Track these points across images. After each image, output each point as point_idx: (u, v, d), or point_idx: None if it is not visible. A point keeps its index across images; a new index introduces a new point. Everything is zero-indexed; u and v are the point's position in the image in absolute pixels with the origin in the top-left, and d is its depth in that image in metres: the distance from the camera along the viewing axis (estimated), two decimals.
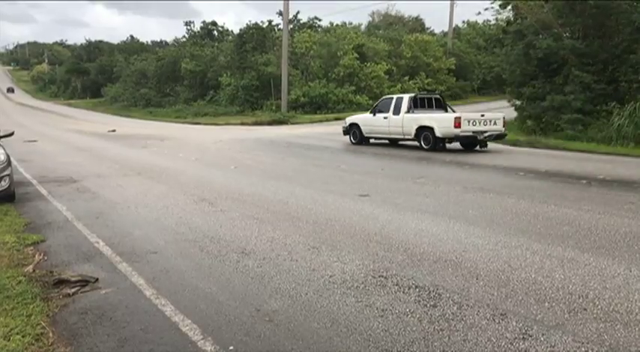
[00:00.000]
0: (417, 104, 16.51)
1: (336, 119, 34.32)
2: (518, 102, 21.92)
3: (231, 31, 61.33)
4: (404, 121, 16.12)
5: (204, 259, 5.14)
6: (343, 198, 8.15)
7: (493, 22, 38.50)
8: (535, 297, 3.97)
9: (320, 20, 51.56)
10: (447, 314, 3.71)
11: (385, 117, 16.85)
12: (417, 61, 43.54)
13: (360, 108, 38.30)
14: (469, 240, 5.59)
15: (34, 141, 20.01)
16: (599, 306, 3.79)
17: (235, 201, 8.01)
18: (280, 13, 40.40)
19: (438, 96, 17.90)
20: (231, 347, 3.32)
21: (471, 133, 14.74)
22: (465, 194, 8.45)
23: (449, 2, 47.06)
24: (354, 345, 3.30)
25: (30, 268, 4.84)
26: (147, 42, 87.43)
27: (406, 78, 42.21)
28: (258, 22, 48.17)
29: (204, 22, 65.05)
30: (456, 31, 52.47)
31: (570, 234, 5.78)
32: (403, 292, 4.15)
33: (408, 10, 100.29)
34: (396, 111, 16.48)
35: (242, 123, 34.16)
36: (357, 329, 3.52)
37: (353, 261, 4.92)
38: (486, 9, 44.79)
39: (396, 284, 4.31)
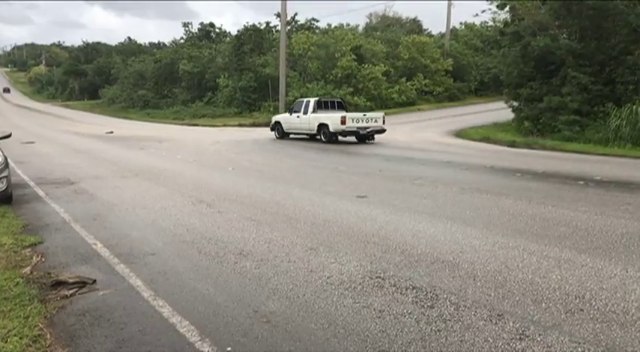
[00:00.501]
0: (321, 106, 20.45)
1: None
2: (515, 104, 21.98)
3: (229, 33, 61.36)
4: (310, 119, 20.06)
5: (202, 260, 5.15)
6: (341, 199, 8.16)
7: (490, 23, 38.60)
8: (532, 298, 3.99)
9: (318, 21, 51.56)
10: (445, 315, 3.72)
11: (298, 116, 20.73)
12: (415, 63, 43.58)
13: (357, 109, 38.40)
14: (466, 241, 5.60)
15: (32, 142, 19.98)
16: (596, 307, 3.81)
17: (233, 203, 8.01)
18: (278, 15, 40.41)
19: (339, 99, 22.61)
20: (228, 348, 3.32)
21: (355, 129, 18.77)
22: (462, 195, 8.46)
23: (446, 3, 47.16)
24: (352, 346, 3.31)
25: (27, 270, 4.84)
26: (145, 43, 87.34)
27: (404, 79, 42.26)
28: (256, 23, 48.15)
29: (201, 23, 64.96)
30: (454, 32, 52.53)
31: (567, 234, 5.80)
32: (401, 293, 4.15)
33: (405, 11, 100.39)
34: (305, 112, 20.31)
35: (240, 125, 34.18)
36: (354, 329, 3.53)
37: (350, 262, 4.92)
38: (483, 11, 44.90)
39: (394, 285, 4.31)
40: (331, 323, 3.63)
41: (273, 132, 22.33)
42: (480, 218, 6.75)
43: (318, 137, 19.66)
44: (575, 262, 4.80)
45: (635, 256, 4.96)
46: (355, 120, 18.89)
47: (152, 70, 56.79)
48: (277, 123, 22.35)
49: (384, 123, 19.29)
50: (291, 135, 21.49)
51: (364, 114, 19.75)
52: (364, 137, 19.06)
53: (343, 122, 18.55)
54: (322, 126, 19.38)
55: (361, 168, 12.26)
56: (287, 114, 21.99)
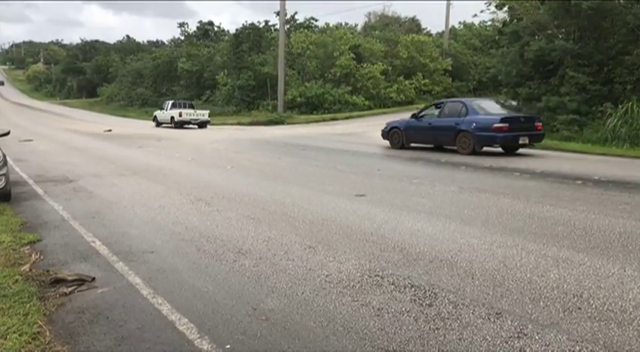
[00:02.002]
0: (175, 106, 32.66)
1: (333, 119, 34.40)
2: (514, 103, 21.99)
3: (227, 31, 61.34)
4: (168, 114, 32.09)
5: (200, 258, 5.15)
6: (340, 198, 8.17)
7: (489, 23, 38.60)
8: (530, 296, 4.00)
9: (316, 20, 51.66)
10: (443, 313, 3.73)
11: (163, 112, 32.88)
12: (414, 62, 43.59)
13: (356, 108, 38.41)
14: (465, 239, 5.61)
15: (30, 140, 19.95)
16: (594, 305, 3.82)
17: (232, 201, 8.01)
18: (277, 14, 40.40)
19: (190, 102, 35.60)
20: (227, 346, 3.33)
21: (189, 120, 30.88)
22: (460, 194, 8.48)
23: (445, 3, 47.15)
24: (351, 344, 3.32)
25: (26, 267, 4.84)
26: (143, 42, 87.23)
27: (402, 78, 42.27)
28: (255, 22, 48.17)
29: (200, 21, 64.90)
30: (452, 31, 52.54)
31: (565, 234, 5.82)
32: (399, 291, 4.16)
33: (404, 10, 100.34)
34: (167, 109, 32.64)
35: (238, 124, 34.17)
36: (353, 328, 3.53)
37: (349, 261, 4.93)
38: (482, 11, 44.85)
39: (392, 284, 4.32)
40: (330, 321, 3.64)
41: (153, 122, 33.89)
42: (478, 217, 6.77)
43: (171, 125, 31.27)
44: (573, 261, 4.81)
45: (633, 255, 4.97)
46: (189, 114, 31.50)
47: (150, 69, 56.74)
48: (156, 117, 33.89)
49: (209, 117, 32.18)
50: (163, 125, 32.30)
51: (195, 111, 32.39)
52: (200, 124, 31.07)
53: (180, 115, 31.09)
54: (172, 118, 31.45)
55: (360, 168, 12.27)
56: (162, 111, 33.37)
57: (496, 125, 13.96)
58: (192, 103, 35.94)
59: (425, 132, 15.77)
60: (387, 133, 17.08)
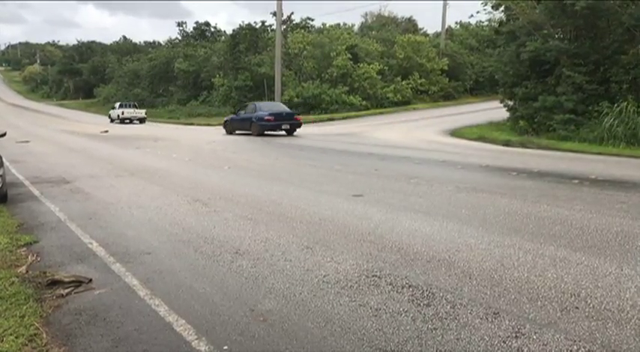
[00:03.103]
0: (122, 106, 42.18)
1: (330, 119, 34.39)
2: (510, 103, 22.03)
3: (224, 32, 61.27)
4: (116, 112, 41.05)
5: (198, 259, 5.14)
6: (337, 198, 8.16)
7: (486, 23, 38.64)
8: (528, 296, 4.00)
9: (313, 21, 51.58)
10: (441, 313, 3.73)
11: (115, 110, 41.92)
12: (410, 62, 43.61)
13: (353, 108, 38.41)
14: (462, 239, 5.62)
15: (27, 141, 19.90)
16: (591, 305, 3.82)
17: (229, 202, 8.01)
18: (274, 14, 40.37)
19: (134, 103, 44.94)
20: (225, 347, 3.32)
21: (129, 117, 40.00)
22: (458, 194, 8.49)
23: (442, 3, 47.26)
24: (348, 344, 3.32)
25: (23, 269, 4.83)
26: (140, 42, 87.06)
27: (399, 78, 42.29)
28: (251, 22, 48.12)
29: (197, 22, 64.88)
30: (449, 31, 52.59)
31: (562, 233, 5.82)
32: (397, 291, 4.16)
33: (400, 10, 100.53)
34: (116, 108, 41.59)
35: None
36: (351, 328, 3.53)
37: (347, 261, 4.93)
38: (478, 12, 44.92)
39: (390, 284, 4.32)
40: (328, 322, 3.64)
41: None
42: (475, 217, 6.77)
43: (118, 121, 40.16)
44: (571, 260, 4.82)
45: (630, 254, 4.98)
46: (129, 112, 40.96)
47: (147, 69, 56.69)
48: (110, 114, 43.07)
49: (145, 114, 41.30)
50: (114, 121, 40.57)
51: (134, 110, 41.65)
52: (140, 120, 40.34)
53: (123, 113, 40.49)
54: (118, 115, 40.64)
55: (357, 168, 12.26)
56: (114, 110, 42.34)
57: (266, 117, 22.65)
58: (136, 104, 45.22)
59: (238, 122, 24.41)
60: (224, 123, 26.04)
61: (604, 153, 14.64)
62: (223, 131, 25.40)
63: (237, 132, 24.20)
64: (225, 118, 26.97)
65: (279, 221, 6.67)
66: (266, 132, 22.71)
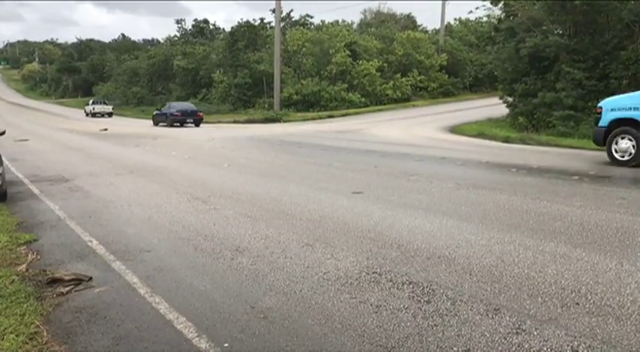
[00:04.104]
0: (95, 102, 50.50)
1: (329, 117, 34.41)
2: (510, 99, 22.04)
3: (223, 29, 61.20)
4: (89, 108, 49.60)
5: (198, 257, 5.14)
6: (337, 195, 8.16)
7: (485, 19, 38.62)
8: (528, 292, 4.00)
9: (312, 18, 51.58)
10: (441, 310, 3.73)
11: (88, 106, 49.47)
12: (409, 59, 43.62)
13: (352, 105, 38.41)
14: (462, 236, 5.61)
15: (26, 140, 19.88)
16: (592, 301, 3.82)
17: (229, 199, 8.00)
18: (273, 11, 40.31)
19: (104, 100, 52.21)
20: (225, 344, 3.32)
21: (98, 111, 48.62)
22: (457, 190, 8.48)
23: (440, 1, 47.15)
24: (349, 341, 3.31)
25: (23, 267, 4.82)
26: (138, 40, 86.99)
27: (398, 75, 42.26)
28: (250, 20, 48.10)
29: (195, 19, 64.77)
30: (448, 28, 52.58)
31: (562, 229, 5.82)
32: (397, 288, 4.16)
33: (399, 7, 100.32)
34: (88, 105, 50.18)
35: (235, 122, 34.17)
36: (351, 325, 3.53)
37: (347, 258, 4.93)
38: (477, 8, 44.82)
39: (390, 281, 4.32)
40: (328, 319, 3.64)
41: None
42: (475, 213, 6.77)
43: (90, 115, 47.62)
44: (571, 257, 4.82)
45: (630, 250, 4.98)
46: (98, 108, 48.27)
47: (146, 67, 56.63)
48: (85, 109, 48.86)
49: (112, 109, 49.16)
50: (88, 115, 47.77)
51: (103, 106, 48.89)
52: (109, 114, 47.89)
53: (94, 109, 47.88)
54: (90, 110, 48.74)
55: (357, 165, 12.26)
56: (87, 106, 49.69)
57: (175, 113, 31.19)
58: (105, 101, 52.42)
59: (159, 117, 32.47)
60: (153, 117, 33.92)
61: (604, 150, 14.62)
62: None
63: (160, 124, 31.83)
64: (153, 113, 34.67)
65: (279, 218, 6.66)
66: (177, 124, 30.74)
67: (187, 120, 30.85)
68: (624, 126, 11.20)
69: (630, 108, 11.22)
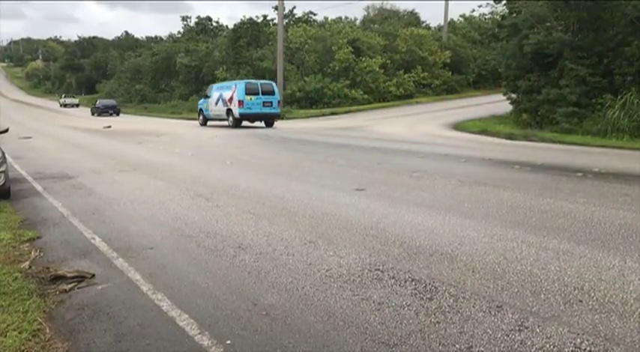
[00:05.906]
0: (67, 96, 66.04)
1: (332, 114, 34.35)
2: (513, 96, 21.97)
3: (226, 27, 61.15)
4: (62, 100, 63.87)
5: (200, 254, 5.14)
6: (339, 192, 8.15)
7: (488, 15, 38.49)
8: (531, 289, 3.99)
9: (315, 14, 51.45)
10: (444, 307, 3.72)
11: (62, 99, 64.36)
12: (413, 55, 43.46)
13: (355, 102, 38.34)
14: (465, 233, 5.61)
15: (29, 137, 19.92)
16: (595, 298, 3.81)
17: (231, 196, 8.00)
18: (275, 8, 40.26)
19: (73, 95, 68.16)
20: (228, 341, 3.32)
21: (71, 104, 61.70)
22: (460, 187, 8.47)
23: None
24: (351, 338, 3.31)
25: (26, 264, 4.83)
26: (141, 37, 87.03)
27: (401, 72, 42.16)
28: (253, 17, 48.05)
29: (198, 17, 64.72)
30: (452, 24, 52.40)
31: (566, 226, 5.81)
32: (399, 285, 4.16)
33: (403, 4, 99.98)
34: (61, 97, 65.55)
35: None
36: (353, 322, 3.53)
37: (349, 255, 4.92)
38: (480, 6, 44.77)
39: (393, 278, 4.32)
40: (330, 316, 3.64)
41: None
42: (478, 210, 6.76)
43: (63, 106, 58.96)
44: (574, 253, 4.80)
45: (634, 247, 4.97)
46: (69, 100, 60.99)
47: (149, 64, 56.72)
48: (59, 101, 59.51)
49: (78, 102, 61.57)
50: (62, 106, 58.70)
51: (72, 99, 61.93)
52: (76, 105, 60.22)
53: (65, 101, 61.10)
54: (63, 102, 60.75)
55: (359, 161, 12.25)
56: (62, 99, 60.99)
57: (100, 107, 44.70)
58: (74, 95, 66.60)
59: (95, 109, 45.52)
60: (91, 109, 46.78)
61: (607, 146, 14.60)
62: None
63: (94, 114, 43.38)
64: (91, 106, 46.85)
65: (282, 215, 6.66)
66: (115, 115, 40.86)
67: (109, 112, 43.87)
68: None
69: None
